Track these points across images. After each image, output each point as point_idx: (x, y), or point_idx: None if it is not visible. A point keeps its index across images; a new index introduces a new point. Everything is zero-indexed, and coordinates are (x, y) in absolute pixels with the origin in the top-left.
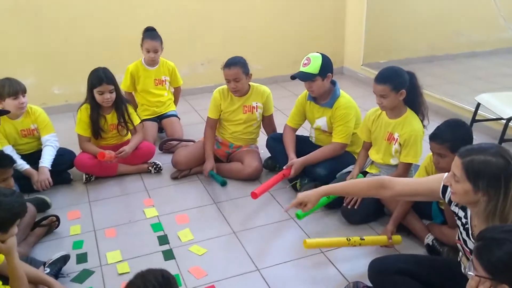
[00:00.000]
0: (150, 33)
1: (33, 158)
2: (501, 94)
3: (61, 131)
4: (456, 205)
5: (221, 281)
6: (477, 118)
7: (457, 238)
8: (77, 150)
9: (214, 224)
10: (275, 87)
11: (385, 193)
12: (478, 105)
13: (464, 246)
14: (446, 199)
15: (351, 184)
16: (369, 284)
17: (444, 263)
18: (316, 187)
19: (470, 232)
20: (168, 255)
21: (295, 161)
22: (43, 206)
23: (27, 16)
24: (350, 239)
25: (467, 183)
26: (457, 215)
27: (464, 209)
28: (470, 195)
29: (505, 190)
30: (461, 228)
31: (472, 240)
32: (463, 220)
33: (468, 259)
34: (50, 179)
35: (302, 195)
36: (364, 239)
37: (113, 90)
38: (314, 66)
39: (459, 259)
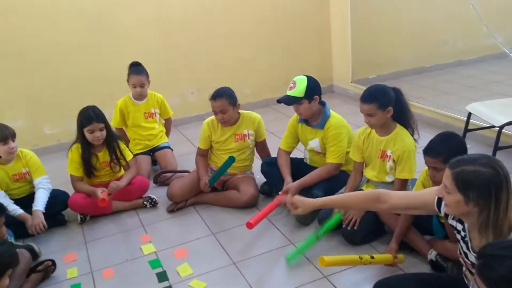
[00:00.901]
0: (135, 68)
1: (26, 202)
2: (491, 102)
3: (54, 171)
4: (453, 218)
5: None
6: (470, 127)
7: (458, 252)
8: (71, 190)
9: (213, 256)
10: (266, 110)
11: (381, 206)
12: (470, 114)
13: (465, 259)
14: (442, 213)
15: (348, 197)
16: None
17: (448, 279)
18: (313, 210)
19: (469, 244)
20: None
21: (290, 186)
22: (32, 254)
23: (12, 59)
24: (362, 258)
25: (458, 194)
26: (455, 228)
27: (461, 222)
28: (462, 206)
29: (496, 201)
30: (461, 241)
31: (473, 253)
32: (462, 234)
33: (471, 272)
34: (45, 222)
35: (298, 199)
36: (374, 258)
37: (103, 128)
38: (299, 89)
39: (463, 274)
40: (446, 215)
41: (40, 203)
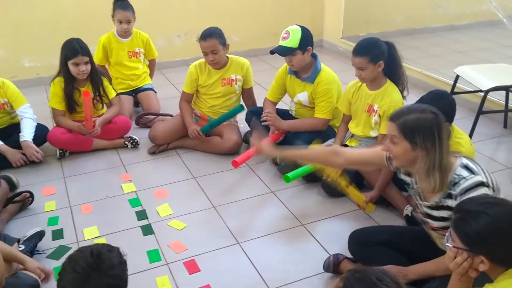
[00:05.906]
0: (121, 2)
1: (6, 133)
2: (480, 66)
3: (33, 106)
4: (403, 173)
5: (201, 255)
6: (455, 90)
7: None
8: (49, 125)
9: (193, 199)
10: (254, 60)
11: (336, 160)
12: (457, 77)
13: (418, 210)
14: (393, 167)
15: (308, 151)
16: (350, 256)
17: (422, 232)
18: (296, 161)
19: (421, 196)
20: (147, 230)
21: (282, 122)
22: (10, 185)
23: None
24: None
25: (405, 142)
26: (406, 183)
27: (410, 175)
28: (409, 153)
29: (439, 141)
30: (415, 194)
31: (424, 202)
32: (414, 186)
33: (433, 229)
34: (39, 150)
35: (264, 144)
36: (350, 186)
37: (88, 61)
38: (293, 39)
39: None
40: (398, 170)
41: (28, 133)
